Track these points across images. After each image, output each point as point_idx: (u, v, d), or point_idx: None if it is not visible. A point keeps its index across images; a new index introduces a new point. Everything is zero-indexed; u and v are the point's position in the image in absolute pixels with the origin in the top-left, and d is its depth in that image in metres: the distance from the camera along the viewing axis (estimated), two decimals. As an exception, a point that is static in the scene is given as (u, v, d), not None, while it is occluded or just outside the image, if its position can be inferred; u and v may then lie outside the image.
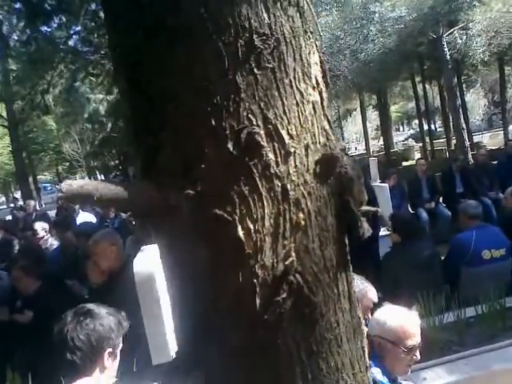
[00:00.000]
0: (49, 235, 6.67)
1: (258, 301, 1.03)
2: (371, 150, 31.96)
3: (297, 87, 1.03)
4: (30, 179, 25.50)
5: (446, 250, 4.64)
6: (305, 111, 1.04)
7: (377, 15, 12.27)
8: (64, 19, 12.15)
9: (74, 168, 33.47)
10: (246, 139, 0.98)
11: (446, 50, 13.39)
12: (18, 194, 31.00)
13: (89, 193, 0.95)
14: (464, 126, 14.18)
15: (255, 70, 0.98)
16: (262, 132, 0.99)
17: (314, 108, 1.06)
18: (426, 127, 25.99)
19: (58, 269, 5.21)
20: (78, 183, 0.96)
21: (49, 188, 43.07)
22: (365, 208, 1.22)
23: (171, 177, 1.02)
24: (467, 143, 14.10)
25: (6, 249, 6.61)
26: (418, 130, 29.09)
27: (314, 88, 1.07)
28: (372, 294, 2.72)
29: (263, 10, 0.98)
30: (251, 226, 1.01)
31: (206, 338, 1.09)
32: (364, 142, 35.49)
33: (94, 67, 14.40)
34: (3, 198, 43.16)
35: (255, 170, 0.99)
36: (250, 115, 0.98)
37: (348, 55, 12.94)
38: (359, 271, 2.97)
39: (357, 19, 12.30)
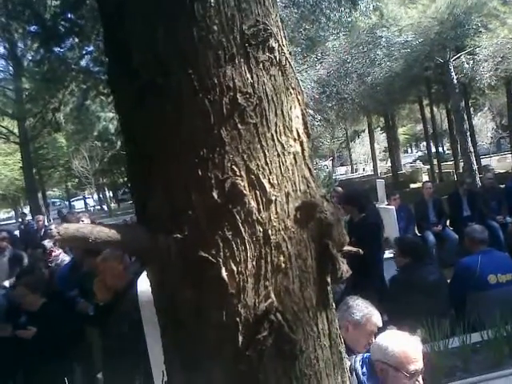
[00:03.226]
0: (60, 251, 6.65)
1: (240, 338, 1.10)
2: (379, 172, 31.99)
3: (278, 140, 1.11)
4: (40, 195, 25.68)
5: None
6: (286, 162, 1.12)
7: (383, 40, 12.37)
8: (76, 40, 12.45)
9: (83, 184, 33.80)
10: (230, 188, 1.06)
11: (453, 74, 13.47)
12: (26, 209, 31.24)
13: (84, 236, 1.03)
14: (471, 149, 14.16)
15: (239, 125, 1.06)
16: (244, 182, 1.07)
17: (294, 158, 1.14)
18: (434, 149, 25.93)
19: (66, 285, 5.24)
20: (74, 227, 1.04)
21: (58, 203, 43.44)
22: (347, 248, 1.29)
23: (161, 221, 1.10)
24: (475, 166, 14.07)
25: (17, 264, 6.64)
26: (426, 152, 29.03)
27: (295, 140, 1.15)
28: (376, 318, 2.75)
29: (246, 71, 1.06)
30: (234, 268, 1.08)
31: (190, 371, 1.16)
32: (372, 163, 35.53)
33: (105, 86, 14.64)
34: (12, 213, 43.49)
35: (238, 217, 1.07)
36: (233, 166, 1.06)
37: (355, 78, 13.01)
38: (363, 293, 3.01)
39: (364, 44, 12.38)
